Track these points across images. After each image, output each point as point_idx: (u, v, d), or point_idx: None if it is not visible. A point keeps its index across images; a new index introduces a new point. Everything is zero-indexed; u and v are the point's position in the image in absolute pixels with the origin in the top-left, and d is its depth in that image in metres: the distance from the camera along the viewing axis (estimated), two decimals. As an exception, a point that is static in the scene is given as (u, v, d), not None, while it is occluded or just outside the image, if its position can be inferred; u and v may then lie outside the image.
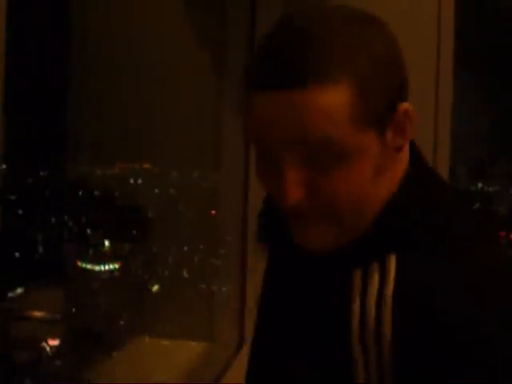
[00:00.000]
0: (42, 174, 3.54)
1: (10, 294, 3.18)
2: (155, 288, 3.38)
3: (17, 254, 3.36)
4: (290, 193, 0.63)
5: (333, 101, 0.60)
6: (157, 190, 3.40)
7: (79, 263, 3.54)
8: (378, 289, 0.70)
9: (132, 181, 3.43)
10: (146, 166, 3.26)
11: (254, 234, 1.84)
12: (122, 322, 3.39)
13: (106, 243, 3.64)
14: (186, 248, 3.21)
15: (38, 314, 3.26)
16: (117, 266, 3.56)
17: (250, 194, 2.06)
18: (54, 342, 3.22)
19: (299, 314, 0.81)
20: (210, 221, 2.44)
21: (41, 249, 3.53)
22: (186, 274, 3.20)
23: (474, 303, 0.66)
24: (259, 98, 0.62)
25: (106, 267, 3.54)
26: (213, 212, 2.47)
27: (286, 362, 0.81)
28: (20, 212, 3.43)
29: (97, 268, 3.52)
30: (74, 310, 3.45)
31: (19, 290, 3.29)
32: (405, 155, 0.75)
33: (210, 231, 2.43)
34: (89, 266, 3.52)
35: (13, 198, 3.29)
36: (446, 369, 0.65)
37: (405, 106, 0.68)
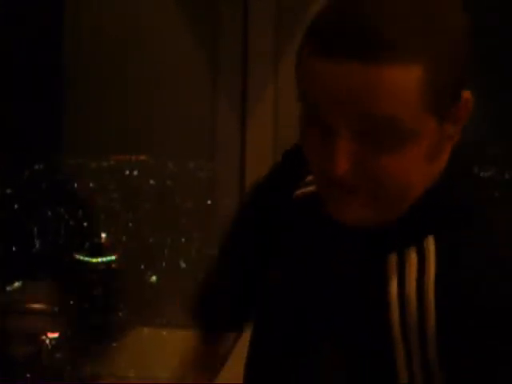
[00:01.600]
0: (37, 167, 3.53)
1: (8, 288, 3.18)
2: (153, 279, 3.39)
3: (14, 248, 3.36)
4: (339, 163, 0.61)
5: (405, 79, 0.56)
6: (153, 182, 3.40)
7: (76, 256, 3.54)
8: (417, 275, 0.64)
9: (128, 172, 3.43)
10: (142, 157, 3.26)
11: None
12: (120, 314, 3.40)
13: (103, 235, 3.65)
14: (183, 239, 3.21)
15: (36, 306, 3.26)
16: (114, 257, 3.56)
17: (247, 183, 2.06)
18: (54, 335, 3.23)
19: (324, 293, 0.74)
20: (207, 211, 2.44)
21: (38, 242, 3.53)
22: (183, 265, 3.20)
23: None
24: (324, 64, 0.58)
25: (103, 259, 3.54)
26: (209, 202, 2.47)
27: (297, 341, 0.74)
28: (16, 205, 3.43)
29: (94, 260, 3.53)
30: (72, 302, 3.46)
31: (17, 284, 3.29)
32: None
33: (207, 221, 2.43)
34: (86, 259, 3.53)
35: (9, 191, 3.29)
36: (502, 363, 0.59)
37: (467, 93, 0.64)
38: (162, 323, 2.63)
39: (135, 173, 3.40)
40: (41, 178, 3.55)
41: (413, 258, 0.66)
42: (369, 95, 0.57)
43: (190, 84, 2.34)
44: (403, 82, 0.56)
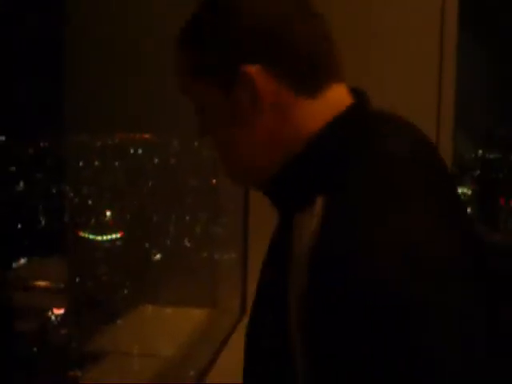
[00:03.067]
0: (42, 144, 3.54)
1: (14, 265, 3.21)
2: (157, 257, 3.41)
3: (19, 225, 3.37)
4: (197, 127, 0.79)
5: (178, 61, 0.77)
6: (157, 160, 3.40)
7: (81, 233, 3.56)
8: (304, 237, 0.65)
9: (132, 151, 3.43)
10: (146, 136, 3.26)
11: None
12: (125, 291, 3.42)
13: (108, 213, 3.66)
14: (187, 217, 3.22)
15: (41, 283, 3.29)
16: (118, 235, 3.58)
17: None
18: (59, 311, 3.27)
19: (261, 278, 0.78)
20: (212, 190, 2.44)
21: (43, 219, 3.55)
22: (187, 243, 3.22)
23: (397, 266, 0.59)
24: None
25: (108, 237, 3.56)
26: (214, 181, 2.47)
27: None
28: (21, 183, 3.44)
29: (99, 238, 3.54)
30: (77, 279, 3.49)
31: (22, 261, 3.32)
32: (319, 109, 0.73)
33: (212, 200, 2.44)
34: (91, 236, 3.55)
35: (13, 169, 3.29)
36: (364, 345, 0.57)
37: (245, 69, 0.71)
38: (166, 301, 2.65)
39: (140, 151, 3.40)
40: (46, 155, 3.56)
41: (307, 218, 0.67)
42: (175, 73, 0.79)
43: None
44: (179, 62, 0.77)
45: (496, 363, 0.69)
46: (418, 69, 1.73)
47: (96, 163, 3.63)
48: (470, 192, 6.53)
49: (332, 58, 0.76)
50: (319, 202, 0.66)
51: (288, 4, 0.75)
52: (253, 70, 0.71)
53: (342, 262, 0.59)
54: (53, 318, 3.27)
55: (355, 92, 0.77)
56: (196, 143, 2.77)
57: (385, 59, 1.73)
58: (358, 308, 0.57)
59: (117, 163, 3.59)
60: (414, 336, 0.57)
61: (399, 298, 0.57)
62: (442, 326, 0.59)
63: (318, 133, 0.72)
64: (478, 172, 6.90)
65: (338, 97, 0.75)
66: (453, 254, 0.67)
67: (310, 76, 0.73)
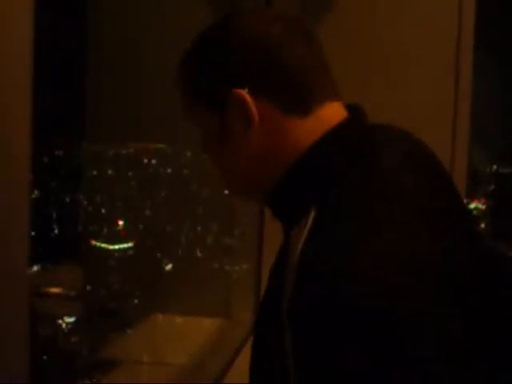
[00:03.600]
0: (57, 153, 3.57)
1: (27, 272, 3.23)
2: (168, 267, 3.42)
3: (33, 233, 3.40)
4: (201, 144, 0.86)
5: (178, 79, 0.85)
6: (170, 170, 3.42)
7: (94, 242, 3.58)
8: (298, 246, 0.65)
9: (145, 160, 3.46)
10: (160, 145, 3.28)
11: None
12: (136, 300, 3.44)
13: (120, 222, 3.68)
14: (199, 228, 3.23)
15: (54, 290, 3.31)
16: (131, 244, 3.60)
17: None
18: (70, 319, 3.28)
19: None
20: (224, 200, 2.46)
21: (56, 227, 3.58)
22: (199, 253, 3.23)
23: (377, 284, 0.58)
24: None
25: (120, 246, 3.58)
26: (226, 191, 2.49)
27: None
28: (36, 191, 3.47)
29: (111, 247, 3.56)
30: (89, 287, 3.51)
31: (36, 268, 3.34)
32: (310, 128, 0.76)
33: (224, 210, 2.45)
34: (103, 245, 3.57)
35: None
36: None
37: (234, 92, 0.76)
38: (178, 310, 2.66)
39: (153, 161, 3.43)
40: (60, 164, 3.59)
41: (301, 230, 0.68)
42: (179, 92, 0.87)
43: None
44: (178, 80, 0.85)
45: (494, 375, 0.69)
46: (433, 83, 1.74)
47: (109, 172, 3.66)
48: (483, 207, 6.50)
49: (326, 76, 0.78)
50: (312, 214, 0.68)
51: (282, 27, 0.78)
52: (243, 93, 0.76)
53: (328, 276, 0.60)
54: (64, 325, 3.28)
55: (350, 108, 0.79)
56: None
57: (401, 73, 1.74)
58: (348, 323, 0.57)
59: (130, 173, 3.62)
60: (408, 348, 0.57)
61: (393, 311, 0.58)
62: (437, 338, 0.59)
63: (309, 146, 0.74)
64: (493, 187, 6.86)
65: (331, 114, 0.78)
66: (445, 265, 0.67)
67: (300, 97, 0.76)
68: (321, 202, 0.70)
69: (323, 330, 0.58)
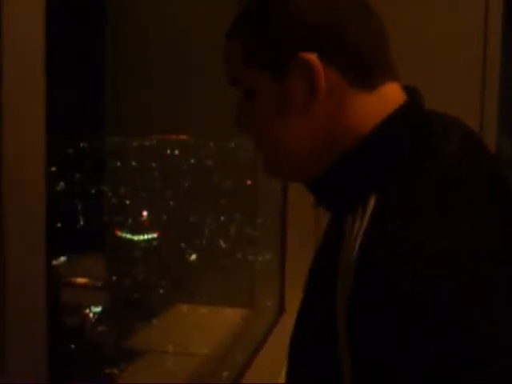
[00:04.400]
0: (81, 145, 3.61)
1: (54, 262, 3.28)
2: (192, 257, 3.45)
3: (59, 224, 3.45)
4: (236, 116, 0.78)
5: (231, 49, 0.76)
6: (193, 161, 3.44)
7: (118, 233, 3.63)
8: (355, 234, 0.62)
9: (169, 151, 3.48)
10: (183, 137, 3.30)
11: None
12: (160, 290, 3.47)
13: (144, 213, 3.71)
14: (222, 218, 3.25)
15: (80, 281, 3.36)
16: (155, 235, 3.63)
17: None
18: (97, 309, 3.33)
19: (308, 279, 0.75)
20: (247, 190, 2.46)
21: (82, 219, 3.62)
22: (222, 244, 3.24)
23: (443, 276, 0.57)
24: None
25: (145, 237, 3.61)
26: (249, 182, 2.49)
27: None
28: (62, 183, 3.51)
29: (135, 237, 3.60)
30: (114, 278, 3.55)
31: (62, 259, 3.39)
32: (372, 107, 0.71)
33: (247, 201, 2.45)
34: (128, 236, 3.61)
35: (54, 169, 3.37)
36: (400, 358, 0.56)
37: (303, 56, 0.69)
38: (202, 301, 2.67)
39: (176, 152, 3.44)
40: (85, 156, 3.63)
41: (358, 217, 0.64)
42: (223, 64, 0.78)
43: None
44: (231, 51, 0.76)
45: None
46: (461, 68, 1.71)
47: (133, 164, 3.69)
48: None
49: (387, 55, 0.75)
50: (372, 202, 0.65)
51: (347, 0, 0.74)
52: (312, 57, 0.70)
53: (390, 265, 0.58)
54: (91, 315, 3.33)
55: (408, 90, 0.76)
56: (232, 144, 2.79)
57: (428, 60, 1.71)
58: (419, 319, 0.56)
59: (153, 164, 3.64)
60: (465, 344, 0.56)
61: (464, 309, 0.57)
62: (499, 338, 0.58)
63: (372, 130, 0.70)
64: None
65: (392, 93, 0.74)
66: (504, 258, 0.65)
67: (365, 70, 0.72)
68: (381, 188, 0.66)
69: (390, 325, 0.57)
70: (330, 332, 0.61)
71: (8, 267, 0.70)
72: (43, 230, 0.77)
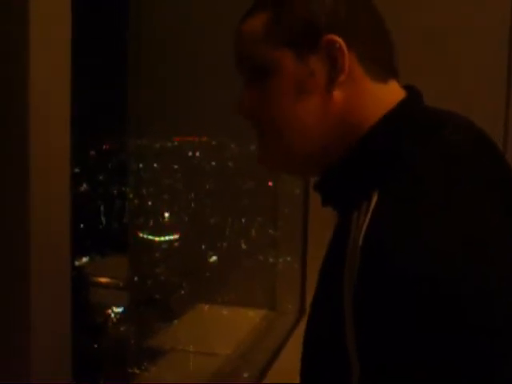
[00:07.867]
0: (104, 147, 3.65)
1: (77, 263, 3.32)
2: (213, 258, 3.46)
3: (82, 225, 3.49)
4: (240, 103, 0.76)
5: (253, 25, 0.73)
6: (214, 163, 3.45)
7: (140, 233, 3.65)
8: (359, 229, 0.64)
9: (190, 153, 3.49)
10: (204, 138, 3.31)
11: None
12: (182, 291, 3.49)
13: (166, 214, 3.74)
14: (243, 220, 3.25)
15: (102, 281, 3.39)
16: (176, 236, 3.65)
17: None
18: (119, 309, 3.36)
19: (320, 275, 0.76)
20: (268, 192, 2.46)
21: (104, 220, 3.66)
22: (243, 245, 3.25)
23: (442, 262, 0.58)
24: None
25: (166, 238, 3.64)
26: (270, 183, 2.49)
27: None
28: (84, 184, 3.56)
29: (157, 238, 3.63)
30: (136, 278, 3.58)
31: (85, 259, 3.43)
32: (380, 97, 0.72)
33: (268, 203, 2.46)
34: (149, 237, 3.64)
35: (77, 170, 3.42)
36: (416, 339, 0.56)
37: (330, 37, 0.69)
38: (223, 302, 2.68)
39: (197, 154, 3.46)
40: (107, 158, 3.67)
41: (363, 211, 0.65)
42: (238, 43, 0.75)
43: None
44: (252, 27, 0.73)
45: None
46: (486, 70, 1.69)
47: (155, 165, 3.71)
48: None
49: (393, 54, 0.77)
50: (375, 198, 0.66)
51: None
52: (339, 39, 0.71)
53: (393, 256, 0.59)
54: (113, 315, 3.36)
55: (408, 88, 0.77)
56: (253, 146, 2.80)
57: (452, 60, 1.70)
58: (421, 304, 0.57)
59: (175, 166, 3.66)
60: (473, 328, 0.57)
61: (466, 295, 0.57)
62: (502, 331, 0.58)
63: (373, 126, 0.71)
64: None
65: (397, 89, 0.76)
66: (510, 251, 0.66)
67: (377, 62, 0.74)
68: (385, 185, 0.67)
69: (394, 312, 0.58)
70: (339, 324, 0.62)
71: (32, 267, 0.71)
72: (67, 230, 0.78)
